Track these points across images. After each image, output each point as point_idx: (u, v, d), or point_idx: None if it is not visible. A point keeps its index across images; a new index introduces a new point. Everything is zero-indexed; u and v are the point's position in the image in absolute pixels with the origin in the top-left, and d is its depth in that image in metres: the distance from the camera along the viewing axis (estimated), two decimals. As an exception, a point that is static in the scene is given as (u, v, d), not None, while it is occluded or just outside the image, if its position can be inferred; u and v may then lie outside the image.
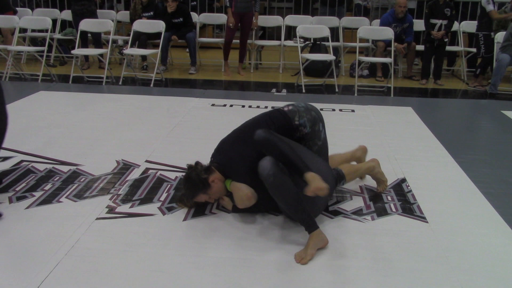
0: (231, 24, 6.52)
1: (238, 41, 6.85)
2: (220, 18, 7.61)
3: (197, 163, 2.62)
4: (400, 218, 2.67)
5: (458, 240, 2.46)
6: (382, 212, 2.73)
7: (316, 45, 7.00)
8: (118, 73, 6.42)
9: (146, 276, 2.08)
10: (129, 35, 6.82)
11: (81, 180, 3.05)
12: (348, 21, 7.62)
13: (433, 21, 6.55)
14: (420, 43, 7.22)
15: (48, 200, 2.77)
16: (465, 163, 3.51)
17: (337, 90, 6.16)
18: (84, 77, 6.38)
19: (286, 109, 2.69)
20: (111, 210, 2.67)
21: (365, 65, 7.06)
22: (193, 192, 2.55)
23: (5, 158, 3.36)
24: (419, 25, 7.04)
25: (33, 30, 7.56)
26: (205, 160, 2.68)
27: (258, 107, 5.04)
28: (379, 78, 6.87)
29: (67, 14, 7.27)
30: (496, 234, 2.55)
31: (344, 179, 2.80)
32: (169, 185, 3.01)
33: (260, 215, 2.61)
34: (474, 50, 6.94)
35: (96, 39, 7.03)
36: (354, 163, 3.15)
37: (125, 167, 3.28)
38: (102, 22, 6.73)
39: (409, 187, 3.07)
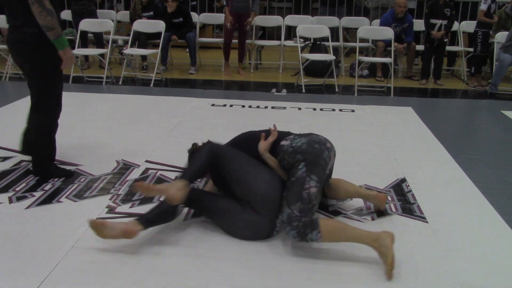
0: (228, 24, 6.52)
1: (237, 41, 6.85)
2: (220, 18, 7.60)
3: (197, 145, 2.73)
4: (400, 218, 2.67)
5: (458, 240, 2.46)
6: (382, 212, 2.72)
7: (316, 45, 7.00)
8: (118, 73, 6.42)
9: (146, 276, 2.08)
10: (129, 35, 6.82)
11: (81, 180, 3.05)
12: (348, 21, 7.62)
13: (433, 21, 6.55)
14: (420, 43, 7.22)
15: (48, 200, 2.77)
16: (465, 163, 3.51)
17: (337, 90, 6.16)
18: (84, 77, 6.38)
19: (283, 142, 2.50)
20: (111, 210, 2.67)
21: (365, 65, 7.06)
22: None
23: (5, 158, 3.36)
24: (419, 25, 7.04)
25: (33, 30, 7.54)
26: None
27: (258, 107, 5.04)
28: (379, 78, 6.87)
29: (67, 14, 7.26)
30: (496, 234, 2.55)
31: (317, 230, 2.17)
32: (169, 185, 3.01)
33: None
34: (473, 49, 6.94)
35: (98, 39, 7.03)
36: None
37: (125, 167, 3.28)
38: (102, 22, 6.73)
39: (409, 187, 3.07)
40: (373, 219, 2.65)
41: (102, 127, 4.17)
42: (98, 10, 7.34)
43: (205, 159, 2.36)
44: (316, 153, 2.40)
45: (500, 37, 6.29)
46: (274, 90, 6.05)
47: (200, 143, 2.71)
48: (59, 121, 3.02)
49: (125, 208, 2.70)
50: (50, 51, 2.75)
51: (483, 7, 6.39)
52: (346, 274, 2.14)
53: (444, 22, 6.51)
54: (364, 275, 2.14)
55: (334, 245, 2.34)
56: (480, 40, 6.48)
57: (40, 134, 2.99)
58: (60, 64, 2.82)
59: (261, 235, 2.36)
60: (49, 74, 2.87)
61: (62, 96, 3.03)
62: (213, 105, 5.07)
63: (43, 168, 3.05)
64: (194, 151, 2.67)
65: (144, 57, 7.08)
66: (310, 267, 2.18)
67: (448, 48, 7.00)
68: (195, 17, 7.45)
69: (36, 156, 3.04)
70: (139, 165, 3.32)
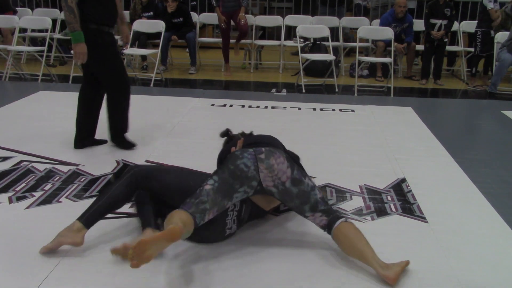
0: (222, 24, 6.53)
1: (235, 40, 6.83)
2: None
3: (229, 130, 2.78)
4: (400, 218, 2.67)
5: (458, 240, 2.46)
6: (382, 212, 2.73)
7: (316, 45, 7.00)
8: (118, 73, 6.41)
9: (145, 276, 2.08)
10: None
11: (81, 180, 3.05)
12: (348, 21, 7.62)
13: (433, 21, 6.55)
14: (420, 43, 7.22)
15: (48, 200, 2.77)
16: (465, 163, 3.51)
17: (337, 90, 6.16)
18: (84, 77, 6.38)
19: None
20: (111, 210, 2.66)
21: (365, 65, 7.06)
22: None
23: (5, 158, 3.36)
24: (419, 25, 7.04)
25: (33, 30, 7.56)
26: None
27: (258, 107, 5.04)
28: (379, 78, 6.87)
29: (67, 14, 7.26)
30: (496, 234, 2.55)
31: None
32: (169, 185, 3.01)
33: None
34: (473, 49, 6.94)
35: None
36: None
37: (125, 167, 3.28)
38: (102, 22, 6.72)
39: (409, 187, 3.07)
40: (373, 219, 2.64)
41: (102, 127, 4.16)
42: (98, 10, 7.32)
43: (125, 188, 2.32)
44: (231, 157, 2.30)
45: (500, 37, 6.29)
46: (274, 90, 6.05)
47: (236, 132, 2.71)
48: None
49: (125, 208, 2.68)
50: (100, 47, 3.31)
51: (491, 6, 6.35)
52: (348, 272, 2.14)
53: (444, 22, 6.51)
54: (366, 274, 2.13)
55: (335, 244, 2.34)
56: (480, 40, 6.47)
57: (113, 112, 3.52)
58: (113, 56, 3.49)
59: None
60: (103, 64, 3.41)
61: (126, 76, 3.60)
62: (213, 105, 5.07)
63: (118, 139, 3.58)
64: (225, 135, 2.76)
65: (144, 57, 7.08)
66: (311, 264, 2.18)
67: (448, 48, 7.00)
68: (195, 17, 7.45)
69: (111, 130, 3.57)
70: (139, 165, 3.32)
